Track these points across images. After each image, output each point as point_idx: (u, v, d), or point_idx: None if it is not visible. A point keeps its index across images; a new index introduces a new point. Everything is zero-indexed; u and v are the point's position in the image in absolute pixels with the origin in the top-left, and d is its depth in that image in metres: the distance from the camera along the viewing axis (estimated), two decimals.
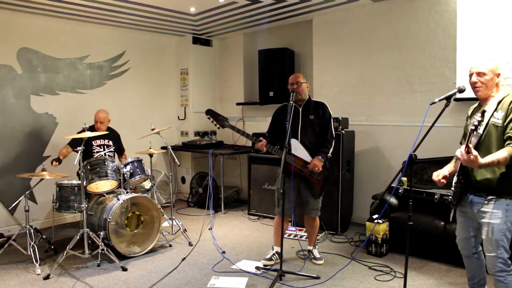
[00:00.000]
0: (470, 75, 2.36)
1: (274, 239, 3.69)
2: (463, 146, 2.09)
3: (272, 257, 3.61)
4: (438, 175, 2.47)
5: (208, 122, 3.54)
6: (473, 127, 2.02)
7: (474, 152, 2.04)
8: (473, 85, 2.34)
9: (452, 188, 2.46)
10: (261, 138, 3.46)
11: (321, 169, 3.47)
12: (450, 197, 2.49)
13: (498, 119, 2.24)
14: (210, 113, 3.47)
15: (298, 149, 3.50)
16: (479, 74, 2.31)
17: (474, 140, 2.20)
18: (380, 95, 4.75)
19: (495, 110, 2.27)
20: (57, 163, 4.17)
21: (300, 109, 3.57)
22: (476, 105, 2.49)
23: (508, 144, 2.16)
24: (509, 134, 2.18)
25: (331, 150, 3.55)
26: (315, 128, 3.54)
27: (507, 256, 2.24)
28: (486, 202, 2.28)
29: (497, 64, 2.34)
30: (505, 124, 2.21)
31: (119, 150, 4.70)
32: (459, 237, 2.55)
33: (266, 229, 4.72)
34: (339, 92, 5.09)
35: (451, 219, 2.60)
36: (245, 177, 5.79)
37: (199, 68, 6.38)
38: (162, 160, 6.19)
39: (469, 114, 2.54)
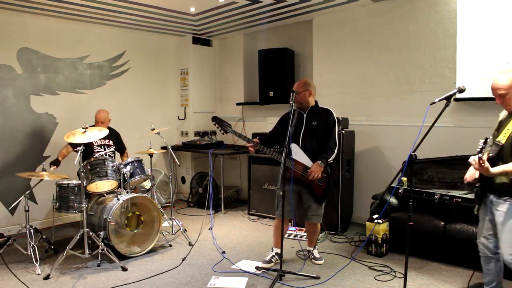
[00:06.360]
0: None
1: (274, 241, 3.69)
2: (477, 156, 2.26)
3: (272, 259, 3.60)
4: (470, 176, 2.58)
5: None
6: (478, 150, 2.30)
7: (486, 164, 2.25)
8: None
9: (475, 190, 2.59)
10: (255, 139, 3.58)
11: (320, 175, 3.44)
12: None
13: None
14: (215, 119, 3.68)
15: (298, 154, 3.50)
16: (500, 96, 2.39)
17: (495, 148, 2.38)
18: (380, 95, 4.75)
19: None
20: (55, 166, 4.18)
21: (305, 115, 3.59)
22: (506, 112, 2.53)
23: None
24: None
25: (332, 157, 3.50)
26: (317, 134, 3.53)
27: None
28: (502, 202, 2.39)
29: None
30: None
31: (120, 149, 4.71)
32: (481, 235, 2.60)
33: (266, 229, 4.72)
34: (339, 92, 5.09)
35: (476, 212, 2.69)
36: (245, 177, 5.79)
37: (199, 68, 6.38)
38: (162, 160, 6.19)
39: (499, 119, 2.58)
